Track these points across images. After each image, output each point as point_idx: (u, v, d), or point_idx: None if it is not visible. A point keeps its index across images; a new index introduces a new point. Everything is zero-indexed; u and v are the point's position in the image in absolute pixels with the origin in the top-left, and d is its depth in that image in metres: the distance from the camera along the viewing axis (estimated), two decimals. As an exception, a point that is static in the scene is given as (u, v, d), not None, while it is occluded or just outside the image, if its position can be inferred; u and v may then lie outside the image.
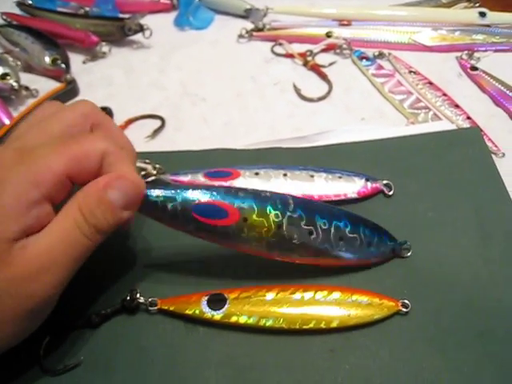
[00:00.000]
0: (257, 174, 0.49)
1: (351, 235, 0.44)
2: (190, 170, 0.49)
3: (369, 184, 0.49)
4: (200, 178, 0.49)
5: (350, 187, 0.49)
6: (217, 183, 0.48)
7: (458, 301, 0.43)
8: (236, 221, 0.40)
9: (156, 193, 0.39)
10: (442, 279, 0.44)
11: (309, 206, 0.43)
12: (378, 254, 0.45)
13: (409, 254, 0.46)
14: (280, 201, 0.42)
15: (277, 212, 0.41)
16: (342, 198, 0.49)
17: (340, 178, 0.49)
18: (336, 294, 0.42)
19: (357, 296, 0.42)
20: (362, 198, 0.50)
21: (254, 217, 0.41)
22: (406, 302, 0.42)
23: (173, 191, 0.39)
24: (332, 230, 0.43)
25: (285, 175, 0.49)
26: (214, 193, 0.40)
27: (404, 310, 0.42)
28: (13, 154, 0.34)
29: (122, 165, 0.36)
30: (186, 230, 0.41)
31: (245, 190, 0.41)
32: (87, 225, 0.34)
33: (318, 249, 0.43)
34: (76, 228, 0.33)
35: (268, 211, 0.41)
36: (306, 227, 0.42)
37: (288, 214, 0.41)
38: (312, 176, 0.49)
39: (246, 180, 0.48)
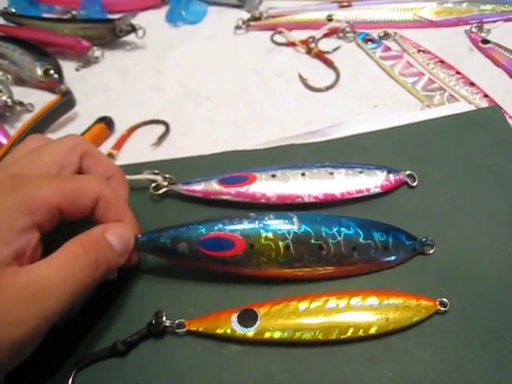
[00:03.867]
0: (274, 176, 0.46)
1: (364, 242, 0.42)
2: (203, 178, 0.47)
3: (391, 176, 0.47)
4: (214, 186, 0.46)
5: (373, 181, 0.47)
6: (232, 190, 0.46)
7: (495, 292, 0.41)
8: (243, 249, 0.40)
9: (161, 236, 0.40)
10: (476, 270, 0.42)
11: (314, 220, 0.42)
12: (398, 257, 0.43)
13: (432, 251, 0.43)
14: (284, 221, 0.41)
15: (282, 232, 0.41)
16: (366, 193, 0.46)
17: (361, 172, 0.47)
18: (372, 299, 0.40)
19: (393, 299, 0.40)
20: (386, 192, 0.47)
21: (261, 241, 0.40)
22: (445, 300, 0.40)
23: (177, 231, 0.40)
24: (343, 241, 0.42)
25: (303, 174, 0.46)
26: (219, 225, 0.40)
27: (442, 309, 0.40)
28: (7, 179, 0.34)
29: (117, 208, 0.38)
30: (198, 264, 0.41)
31: (248, 217, 0.41)
32: (87, 258, 0.34)
33: (332, 262, 0.41)
34: (76, 261, 0.34)
35: (273, 234, 0.41)
36: (315, 243, 0.41)
37: (293, 232, 0.41)
38: (331, 173, 0.47)
39: (263, 183, 0.46)
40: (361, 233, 0.42)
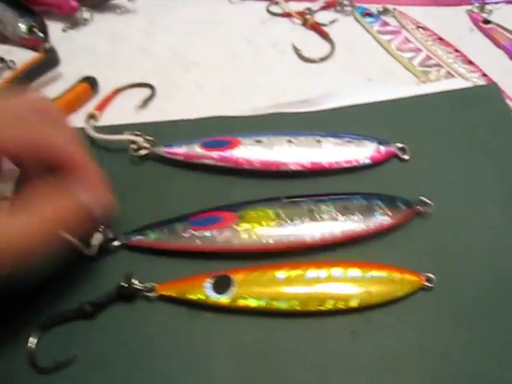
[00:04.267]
0: (259, 141, 0.44)
1: (357, 202, 0.41)
2: (185, 141, 0.45)
3: (382, 148, 0.45)
4: (197, 149, 0.44)
5: (362, 152, 0.45)
6: (215, 154, 0.44)
7: (484, 269, 0.40)
8: (232, 222, 0.39)
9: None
10: (466, 247, 0.41)
11: (302, 197, 0.41)
12: (394, 214, 0.41)
13: (430, 210, 0.42)
14: (272, 200, 0.41)
15: (272, 205, 0.41)
16: (354, 164, 0.44)
17: (350, 142, 0.45)
18: (354, 271, 0.38)
19: (377, 271, 0.38)
20: (375, 164, 0.45)
21: (250, 212, 0.40)
22: (431, 275, 0.39)
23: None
24: (333, 203, 0.41)
25: (289, 142, 0.44)
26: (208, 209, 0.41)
27: (428, 284, 0.38)
28: None
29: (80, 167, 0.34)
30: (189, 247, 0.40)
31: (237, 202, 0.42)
32: (56, 226, 0.32)
33: (324, 224, 0.40)
34: (42, 226, 0.31)
35: (262, 207, 0.40)
36: (305, 206, 0.40)
37: (281, 203, 0.41)
38: (319, 141, 0.45)
39: (247, 149, 0.44)
40: (352, 198, 0.41)
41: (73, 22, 0.63)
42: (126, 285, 0.38)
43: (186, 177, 0.45)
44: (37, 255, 0.31)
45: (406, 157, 0.46)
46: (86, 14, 0.63)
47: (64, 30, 0.62)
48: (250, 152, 0.44)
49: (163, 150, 0.45)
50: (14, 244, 0.30)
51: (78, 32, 0.62)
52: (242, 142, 0.44)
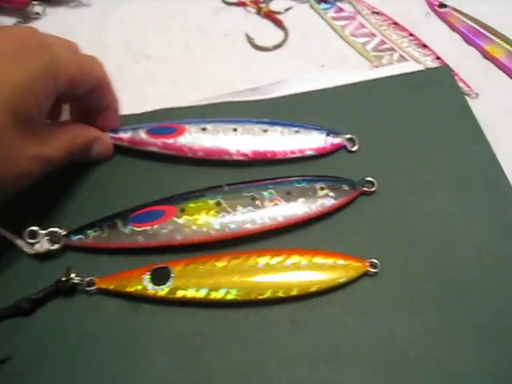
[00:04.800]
0: (204, 129, 0.43)
1: (299, 186, 0.40)
2: (131, 126, 0.44)
3: (329, 139, 0.44)
4: (142, 135, 0.43)
5: (309, 143, 0.44)
6: (160, 141, 0.43)
7: (433, 254, 0.39)
8: (174, 215, 0.39)
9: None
10: (414, 231, 0.40)
11: (245, 183, 0.41)
12: (338, 195, 0.41)
13: (373, 188, 0.42)
14: (214, 189, 0.41)
15: (213, 194, 0.40)
16: (299, 154, 0.44)
17: (297, 132, 0.44)
18: (294, 258, 0.37)
19: (318, 258, 0.38)
20: (322, 155, 0.44)
21: (191, 204, 0.39)
22: (375, 260, 0.38)
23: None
24: (275, 188, 0.40)
25: (235, 130, 0.44)
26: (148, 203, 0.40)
27: (373, 270, 0.38)
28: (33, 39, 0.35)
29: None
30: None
31: (177, 194, 0.41)
32: (71, 152, 0.39)
33: (266, 211, 0.39)
34: (70, 150, 0.39)
35: (204, 197, 0.40)
36: (247, 194, 0.39)
37: (223, 192, 0.40)
38: (265, 131, 0.44)
39: (192, 136, 0.43)
40: (293, 181, 0.41)
41: (24, 17, 0.62)
42: (64, 279, 0.37)
43: (130, 164, 0.44)
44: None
45: (354, 148, 0.45)
46: (37, 8, 0.62)
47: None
48: (194, 140, 0.43)
49: (108, 135, 0.44)
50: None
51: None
52: (187, 129, 0.43)
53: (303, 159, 0.44)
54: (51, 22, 0.61)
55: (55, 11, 0.63)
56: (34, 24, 0.61)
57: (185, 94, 0.52)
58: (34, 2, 0.61)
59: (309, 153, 0.44)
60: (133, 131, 0.44)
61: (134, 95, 0.52)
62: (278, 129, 0.44)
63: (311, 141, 0.44)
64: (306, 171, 0.43)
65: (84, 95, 0.39)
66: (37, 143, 0.35)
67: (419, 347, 0.35)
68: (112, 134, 0.44)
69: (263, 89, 0.50)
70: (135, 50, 0.57)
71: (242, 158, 0.43)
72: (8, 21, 0.61)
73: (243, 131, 0.44)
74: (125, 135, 0.44)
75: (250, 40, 0.57)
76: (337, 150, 0.45)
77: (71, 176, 0.43)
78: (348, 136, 0.45)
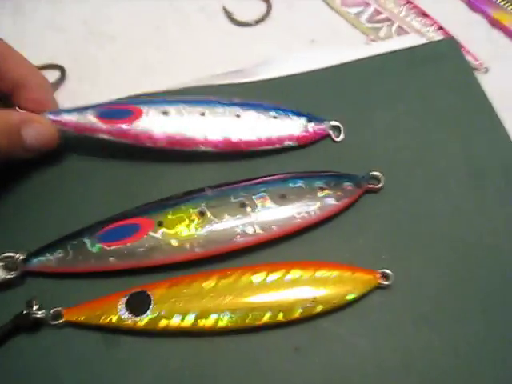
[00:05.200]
0: (165, 112, 0.37)
1: (294, 186, 0.35)
2: (76, 107, 0.37)
3: (311, 126, 0.39)
4: (90, 119, 0.37)
5: (287, 130, 0.38)
6: (112, 127, 0.36)
7: (449, 258, 0.34)
8: (150, 229, 0.33)
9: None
10: (427, 232, 0.35)
11: (232, 184, 0.35)
12: (341, 195, 0.35)
13: (380, 185, 0.36)
14: (195, 193, 0.35)
15: (195, 201, 0.34)
16: (277, 145, 0.38)
17: (275, 118, 0.38)
18: (294, 273, 0.32)
19: (322, 271, 0.32)
20: (303, 145, 0.39)
21: (169, 215, 0.33)
22: (387, 271, 0.33)
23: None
24: (267, 191, 0.35)
25: (202, 114, 0.37)
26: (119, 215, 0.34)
27: (385, 282, 0.32)
28: None
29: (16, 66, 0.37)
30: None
31: (153, 202, 0.35)
32: None
33: (258, 219, 0.33)
34: None
35: (184, 206, 0.34)
36: (235, 200, 0.34)
37: (209, 195, 0.34)
38: (238, 116, 0.38)
39: (151, 121, 0.37)
40: (288, 181, 0.35)
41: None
42: (24, 313, 0.31)
43: (82, 160, 0.39)
44: None
45: (339, 138, 0.39)
46: (-15, -14, 0.55)
47: (-40, 7, 0.54)
48: (153, 125, 0.37)
49: (48, 117, 0.37)
50: None
51: (-24, 7, 0.54)
52: (145, 112, 0.37)
53: (282, 150, 0.39)
54: (1, 3, 0.54)
55: (4, -10, 0.55)
56: (-19, 5, 0.54)
57: (156, 80, 0.46)
58: (-21, -20, 0.54)
59: (288, 143, 0.38)
60: (79, 113, 0.37)
61: (99, 84, 0.46)
62: (253, 114, 0.38)
63: (290, 128, 0.39)
64: (287, 164, 0.38)
65: None
66: None
67: (440, 367, 0.31)
68: (53, 117, 0.37)
69: (247, 71, 0.44)
70: (98, 32, 0.50)
71: (210, 148, 0.37)
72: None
73: (212, 116, 0.37)
74: (70, 117, 0.37)
75: (228, 15, 0.50)
76: (320, 138, 0.39)
77: (16, 183, 0.38)
78: (334, 123, 0.39)
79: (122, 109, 0.37)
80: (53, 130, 0.37)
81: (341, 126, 0.39)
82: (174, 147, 0.37)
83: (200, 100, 0.38)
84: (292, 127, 0.38)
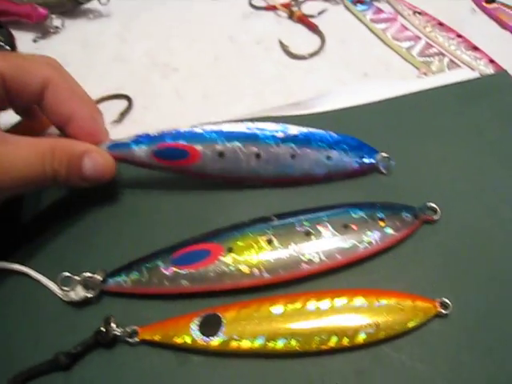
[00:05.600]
0: (221, 154, 0.38)
1: (357, 216, 0.37)
2: (134, 140, 0.38)
3: (364, 159, 0.41)
4: (146, 157, 0.38)
5: (341, 163, 0.40)
6: (171, 166, 0.38)
7: (507, 287, 0.35)
8: (221, 254, 0.35)
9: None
10: (486, 261, 0.36)
11: (296, 213, 0.37)
12: (400, 226, 0.37)
13: (436, 216, 0.38)
14: (262, 221, 0.37)
15: (262, 230, 0.36)
16: (332, 177, 0.40)
17: (329, 157, 0.40)
18: (358, 300, 0.34)
19: (384, 299, 0.34)
20: (358, 175, 0.41)
21: (239, 242, 0.35)
22: (446, 300, 0.34)
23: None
24: (330, 220, 0.36)
25: (258, 156, 0.39)
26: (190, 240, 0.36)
27: (443, 311, 0.34)
28: None
29: (69, 101, 0.36)
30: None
31: (222, 228, 0.37)
32: (50, 167, 0.34)
33: (323, 247, 0.35)
34: (39, 160, 0.33)
35: (252, 233, 0.36)
36: (300, 229, 0.36)
37: (276, 224, 0.36)
38: (293, 156, 0.40)
39: (208, 165, 0.38)
40: (350, 210, 0.37)
41: (43, 31, 0.59)
42: (104, 330, 0.34)
43: (153, 186, 0.41)
44: (31, 185, 0.34)
45: (390, 171, 0.41)
46: (56, 22, 0.59)
47: (35, 41, 0.58)
48: (210, 168, 0.38)
49: (106, 149, 0.38)
50: (11, 171, 0.32)
51: (49, 41, 0.58)
52: (202, 155, 0.38)
53: (336, 180, 0.41)
54: (70, 36, 0.58)
55: (74, 24, 0.59)
56: (54, 38, 0.58)
57: (217, 109, 0.48)
58: (53, 16, 0.58)
59: (342, 175, 0.41)
60: (137, 147, 0.38)
61: (163, 113, 0.49)
62: (307, 151, 0.40)
63: (344, 161, 0.40)
64: (341, 195, 0.40)
65: (35, 99, 0.36)
66: None
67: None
68: (110, 149, 0.38)
69: (305, 103, 0.46)
70: (161, 63, 0.54)
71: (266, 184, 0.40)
72: (27, 36, 0.58)
73: (267, 157, 0.39)
74: (125, 152, 0.38)
75: (284, 48, 0.53)
76: (373, 170, 0.41)
77: (94, 205, 0.40)
78: (385, 155, 0.41)
79: (178, 148, 0.38)
80: (111, 161, 0.38)
81: (393, 159, 0.41)
82: (232, 183, 0.39)
83: (255, 135, 0.39)
84: (346, 160, 0.40)
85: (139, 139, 0.38)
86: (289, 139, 0.40)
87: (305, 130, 0.40)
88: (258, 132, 0.39)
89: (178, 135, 0.38)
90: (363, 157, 0.41)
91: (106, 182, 0.38)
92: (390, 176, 0.41)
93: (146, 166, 0.39)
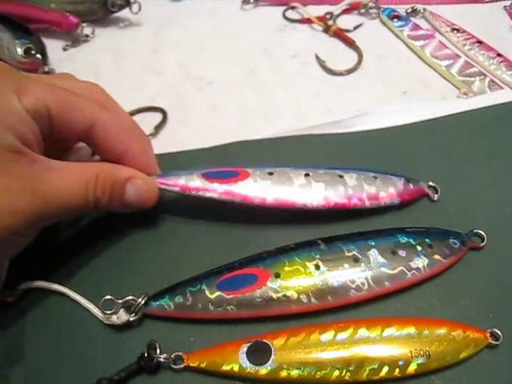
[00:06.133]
0: (271, 173, 0.38)
1: (405, 242, 0.36)
2: (183, 172, 0.38)
3: (409, 186, 0.40)
4: (195, 180, 0.37)
5: (388, 190, 0.39)
6: (219, 186, 0.37)
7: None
8: (268, 280, 0.34)
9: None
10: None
11: (343, 237, 0.37)
12: (447, 253, 0.36)
13: (483, 243, 0.37)
14: (308, 245, 0.36)
15: (309, 254, 0.35)
16: (381, 204, 0.39)
17: (375, 178, 0.40)
18: (409, 329, 0.33)
19: (435, 329, 0.33)
20: (405, 204, 0.40)
21: (286, 267, 0.35)
22: (497, 331, 0.33)
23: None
24: (378, 246, 0.36)
25: (307, 175, 0.39)
26: (236, 264, 0.36)
27: (494, 342, 0.33)
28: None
29: (118, 139, 0.36)
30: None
31: (268, 251, 0.36)
32: (93, 193, 0.33)
33: (371, 273, 0.35)
34: (83, 187, 0.33)
35: (299, 258, 0.35)
36: (348, 254, 0.35)
37: (323, 249, 0.36)
38: (341, 176, 0.39)
39: (257, 182, 0.38)
40: (397, 236, 0.36)
41: (74, 40, 0.58)
42: (147, 355, 0.33)
43: (190, 212, 0.40)
44: (73, 212, 0.34)
45: (436, 197, 0.40)
46: (87, 30, 0.58)
47: (65, 49, 0.58)
48: (259, 186, 0.38)
49: (156, 181, 0.38)
50: (55, 201, 0.32)
51: (79, 50, 0.58)
52: (252, 174, 0.38)
53: (382, 210, 0.40)
54: (101, 45, 0.58)
55: (105, 32, 0.59)
56: (84, 47, 0.57)
57: (254, 124, 0.48)
58: (83, 24, 0.57)
59: (388, 202, 0.39)
60: (186, 176, 0.38)
61: (199, 127, 0.48)
62: (354, 175, 0.39)
63: (390, 188, 0.39)
64: (387, 223, 0.39)
65: (80, 138, 0.35)
66: (27, 178, 0.31)
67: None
68: (160, 180, 0.38)
69: (345, 122, 0.45)
70: (195, 75, 0.53)
71: (320, 207, 0.38)
72: (57, 44, 0.57)
73: (316, 175, 0.39)
74: (177, 181, 0.38)
75: (321, 63, 0.52)
76: (419, 198, 0.40)
77: (136, 228, 0.40)
78: (431, 183, 0.41)
79: (228, 171, 0.38)
80: (155, 189, 0.37)
81: (438, 186, 0.40)
82: (281, 207, 0.38)
83: (303, 165, 0.40)
84: (392, 187, 0.39)
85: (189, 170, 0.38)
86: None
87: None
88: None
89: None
90: (409, 182, 0.40)
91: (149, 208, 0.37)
92: (434, 203, 0.40)
93: (193, 190, 0.38)
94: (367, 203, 0.39)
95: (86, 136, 0.35)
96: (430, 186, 0.41)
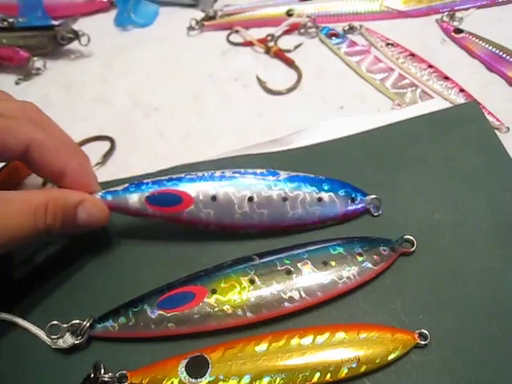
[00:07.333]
0: (214, 198, 0.39)
1: (336, 253, 0.38)
2: (126, 189, 0.39)
3: (353, 204, 0.42)
4: (140, 205, 0.38)
5: (332, 210, 0.41)
6: (163, 214, 0.39)
7: (482, 316, 0.36)
8: (205, 297, 0.36)
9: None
10: (460, 292, 0.37)
11: (277, 251, 0.38)
12: (378, 260, 0.38)
13: (413, 248, 0.39)
14: (243, 262, 0.38)
15: (244, 269, 0.37)
16: (321, 224, 0.41)
17: (320, 200, 0.41)
18: (340, 335, 0.35)
19: (365, 333, 0.35)
20: (346, 220, 0.42)
21: (222, 284, 0.36)
22: (425, 332, 0.35)
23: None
24: (310, 258, 0.37)
25: (250, 200, 0.39)
26: (176, 283, 0.37)
27: (422, 342, 0.35)
28: None
29: (56, 156, 0.36)
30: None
31: (205, 269, 0.38)
32: (43, 222, 0.34)
33: (304, 285, 0.36)
34: (31, 217, 0.33)
35: (234, 274, 0.37)
36: (281, 268, 0.37)
37: (257, 263, 0.37)
38: (285, 199, 0.40)
39: (201, 212, 0.39)
40: (329, 247, 0.38)
41: (26, 73, 0.60)
42: (93, 376, 0.34)
43: (133, 231, 0.42)
44: (24, 241, 0.33)
45: (377, 214, 0.42)
46: (38, 63, 0.60)
47: (17, 83, 0.60)
48: (203, 213, 0.39)
49: (99, 197, 0.38)
50: (4, 232, 0.32)
51: (31, 83, 0.60)
52: (195, 200, 0.39)
53: (323, 226, 0.42)
54: (53, 77, 0.60)
55: (56, 65, 0.61)
56: (36, 80, 0.59)
57: (198, 148, 0.50)
58: (35, 58, 0.59)
59: (331, 222, 0.42)
60: (128, 196, 0.38)
61: (146, 153, 0.50)
62: (300, 195, 0.40)
63: (334, 208, 0.41)
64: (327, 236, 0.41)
65: (18, 159, 0.36)
66: None
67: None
68: (103, 199, 0.38)
69: (282, 140, 0.47)
70: (142, 103, 0.55)
71: (257, 230, 0.41)
72: (9, 79, 0.59)
73: (259, 200, 0.40)
74: (118, 201, 0.38)
75: (261, 84, 0.54)
76: (361, 214, 0.42)
77: (81, 253, 0.41)
78: (373, 196, 0.42)
79: (172, 193, 0.39)
80: (105, 210, 0.38)
81: (380, 200, 0.42)
82: (225, 230, 0.40)
83: (248, 185, 0.40)
84: (336, 207, 0.41)
85: (131, 187, 0.39)
86: (279, 181, 0.41)
87: (294, 173, 0.41)
88: (250, 176, 0.41)
89: (171, 180, 0.39)
90: (354, 199, 0.42)
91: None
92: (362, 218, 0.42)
93: (139, 214, 0.39)
94: (309, 225, 0.41)
95: (24, 156, 0.35)
96: (373, 199, 0.42)
